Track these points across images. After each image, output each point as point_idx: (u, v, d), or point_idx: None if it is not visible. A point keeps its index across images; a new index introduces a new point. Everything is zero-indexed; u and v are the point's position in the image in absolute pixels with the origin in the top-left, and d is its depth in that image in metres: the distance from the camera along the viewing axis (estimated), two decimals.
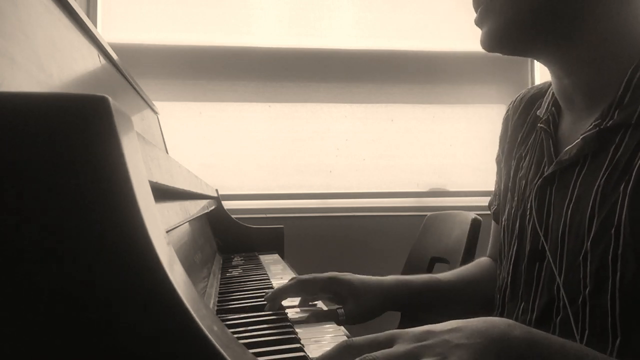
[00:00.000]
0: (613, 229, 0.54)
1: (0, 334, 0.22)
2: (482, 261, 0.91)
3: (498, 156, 0.84)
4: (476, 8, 0.65)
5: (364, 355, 0.41)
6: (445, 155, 2.16)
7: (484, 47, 0.65)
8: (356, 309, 0.75)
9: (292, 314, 0.71)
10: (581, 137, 0.60)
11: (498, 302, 0.74)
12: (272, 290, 0.74)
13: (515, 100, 0.83)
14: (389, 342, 0.44)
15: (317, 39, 2.13)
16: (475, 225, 1.27)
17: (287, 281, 0.77)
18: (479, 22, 0.65)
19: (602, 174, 0.57)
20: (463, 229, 1.30)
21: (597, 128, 0.58)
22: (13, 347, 0.22)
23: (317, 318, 0.69)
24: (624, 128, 0.56)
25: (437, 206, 1.93)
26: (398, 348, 0.43)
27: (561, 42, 0.61)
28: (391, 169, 2.13)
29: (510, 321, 0.44)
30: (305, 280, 0.75)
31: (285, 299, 0.74)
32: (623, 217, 0.53)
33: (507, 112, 0.84)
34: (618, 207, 0.54)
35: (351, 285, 0.76)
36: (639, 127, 0.55)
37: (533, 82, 2.24)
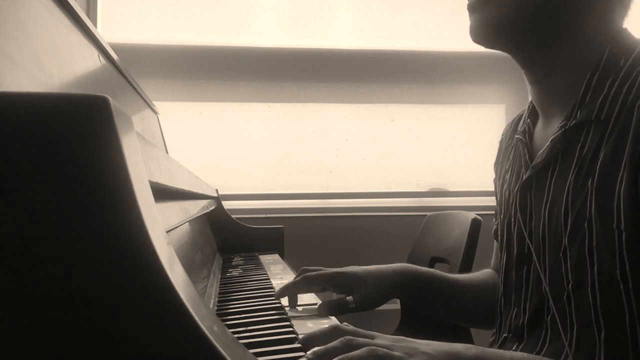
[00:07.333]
0: (586, 223, 0.57)
1: (0, 333, 0.22)
2: (487, 270, 0.93)
3: (495, 179, 0.86)
4: None
5: (347, 336, 0.49)
6: (445, 155, 2.16)
7: (473, 35, 0.66)
8: (365, 295, 0.77)
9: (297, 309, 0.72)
10: (550, 140, 0.64)
11: (497, 312, 0.76)
12: (280, 288, 0.75)
13: (508, 124, 0.85)
14: (371, 337, 0.52)
15: (317, 39, 2.13)
16: (475, 225, 1.27)
17: (293, 277, 0.80)
18: (475, 6, 0.64)
19: (571, 172, 0.60)
20: (463, 229, 1.30)
21: (563, 129, 0.62)
22: (13, 347, 0.22)
23: (327, 308, 0.71)
24: (586, 126, 0.60)
25: (437, 206, 1.94)
26: (376, 340, 0.51)
27: (544, 45, 0.64)
28: (391, 169, 2.13)
29: (472, 346, 0.53)
30: (312, 277, 0.77)
31: (294, 294, 0.75)
32: (592, 210, 0.56)
33: (502, 135, 0.87)
34: (588, 201, 0.57)
35: (356, 276, 0.79)
36: (600, 123, 0.58)
37: None
